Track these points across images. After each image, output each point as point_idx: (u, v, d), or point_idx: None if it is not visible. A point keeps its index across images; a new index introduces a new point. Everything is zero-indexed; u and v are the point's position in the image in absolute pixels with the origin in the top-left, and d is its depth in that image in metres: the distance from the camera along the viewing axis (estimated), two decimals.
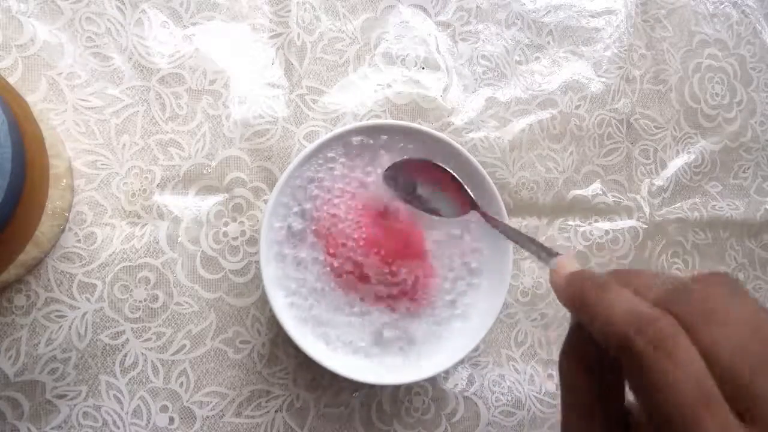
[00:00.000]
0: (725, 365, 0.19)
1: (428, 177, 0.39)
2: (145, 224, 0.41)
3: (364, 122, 0.42)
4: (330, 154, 0.39)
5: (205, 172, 0.42)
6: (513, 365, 0.46)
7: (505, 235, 0.34)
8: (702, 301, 0.20)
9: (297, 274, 0.38)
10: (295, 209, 0.38)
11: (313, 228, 0.38)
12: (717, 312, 0.20)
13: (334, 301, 0.38)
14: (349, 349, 0.38)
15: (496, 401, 0.45)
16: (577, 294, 0.23)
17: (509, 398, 0.45)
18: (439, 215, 0.39)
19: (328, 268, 0.38)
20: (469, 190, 0.38)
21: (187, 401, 0.40)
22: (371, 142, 0.39)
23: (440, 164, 0.38)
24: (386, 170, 0.39)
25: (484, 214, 0.37)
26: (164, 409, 0.40)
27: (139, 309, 0.40)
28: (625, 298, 0.21)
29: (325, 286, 0.38)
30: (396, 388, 0.44)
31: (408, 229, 0.39)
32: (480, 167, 0.39)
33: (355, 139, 0.39)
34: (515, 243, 0.32)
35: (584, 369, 0.24)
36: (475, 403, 0.45)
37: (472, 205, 0.38)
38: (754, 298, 0.21)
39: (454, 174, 0.38)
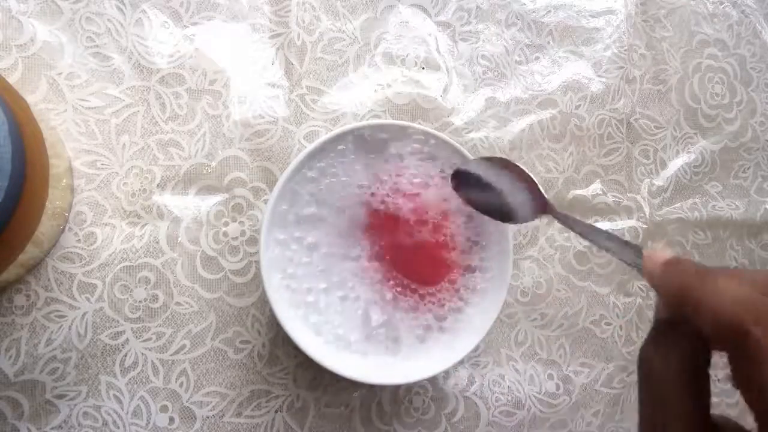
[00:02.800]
0: None
1: (498, 177, 0.35)
2: (145, 224, 0.41)
3: (365, 122, 0.42)
4: (341, 147, 0.38)
5: (205, 172, 0.42)
6: (513, 365, 0.46)
7: (582, 236, 0.31)
8: None
9: (299, 258, 0.38)
10: (307, 198, 0.38)
11: (337, 215, 0.38)
12: None
13: (340, 284, 0.38)
14: (342, 342, 0.38)
15: (496, 401, 0.45)
16: (678, 281, 0.22)
17: (509, 398, 0.45)
18: (509, 220, 0.36)
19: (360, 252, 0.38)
20: (543, 191, 0.34)
21: (187, 401, 0.40)
22: (381, 136, 0.39)
23: (512, 161, 0.35)
24: (454, 172, 0.36)
25: (559, 216, 0.33)
26: (164, 409, 0.40)
27: (139, 309, 0.40)
28: (735, 285, 0.20)
29: (332, 266, 0.38)
30: (396, 388, 0.44)
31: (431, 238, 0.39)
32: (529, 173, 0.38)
33: (364, 135, 0.39)
34: (593, 243, 0.30)
35: (677, 365, 0.21)
36: (475, 403, 0.45)
37: (547, 208, 0.34)
38: None
39: (528, 172, 0.35)
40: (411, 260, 0.39)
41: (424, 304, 0.39)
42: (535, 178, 0.35)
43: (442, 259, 0.39)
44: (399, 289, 0.39)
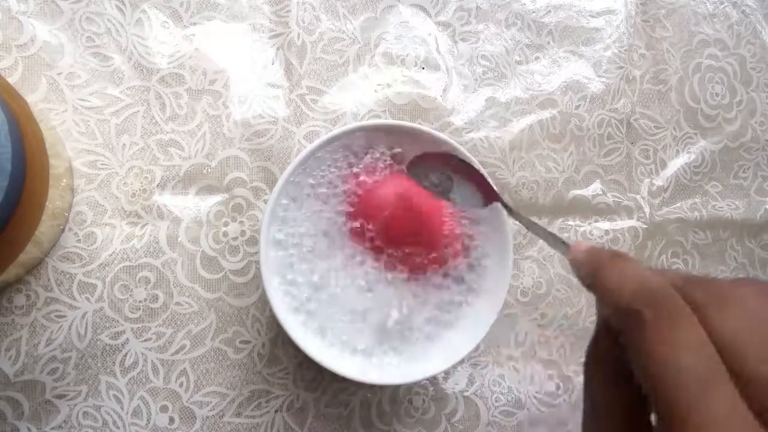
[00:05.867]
0: (728, 346, 0.18)
1: (448, 168, 0.39)
2: (145, 224, 0.41)
3: (365, 122, 0.42)
4: (340, 146, 0.38)
5: (205, 172, 0.42)
6: (513, 365, 0.46)
7: (526, 227, 0.35)
8: (717, 290, 0.20)
9: (299, 257, 0.38)
10: (307, 197, 0.38)
11: (342, 196, 0.38)
12: (729, 300, 0.20)
13: (337, 277, 0.38)
14: (347, 348, 0.38)
15: (496, 401, 0.45)
16: (594, 262, 0.23)
17: (509, 398, 0.45)
18: (459, 206, 0.39)
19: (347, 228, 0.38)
20: (491, 182, 0.38)
21: (187, 401, 0.40)
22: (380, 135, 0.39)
23: (460, 156, 0.38)
24: (411, 162, 0.39)
25: (506, 206, 0.37)
26: (164, 409, 0.40)
27: (139, 309, 0.40)
28: (639, 269, 0.21)
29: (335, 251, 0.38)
30: (396, 388, 0.44)
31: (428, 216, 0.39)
32: (480, 167, 0.39)
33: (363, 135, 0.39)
34: (535, 234, 0.34)
35: (610, 379, 0.23)
36: (475, 403, 0.45)
37: (495, 197, 0.38)
38: None
39: (477, 166, 0.38)
40: (407, 232, 0.39)
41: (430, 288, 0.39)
42: (483, 171, 0.38)
43: (439, 223, 0.40)
44: (397, 265, 0.39)
